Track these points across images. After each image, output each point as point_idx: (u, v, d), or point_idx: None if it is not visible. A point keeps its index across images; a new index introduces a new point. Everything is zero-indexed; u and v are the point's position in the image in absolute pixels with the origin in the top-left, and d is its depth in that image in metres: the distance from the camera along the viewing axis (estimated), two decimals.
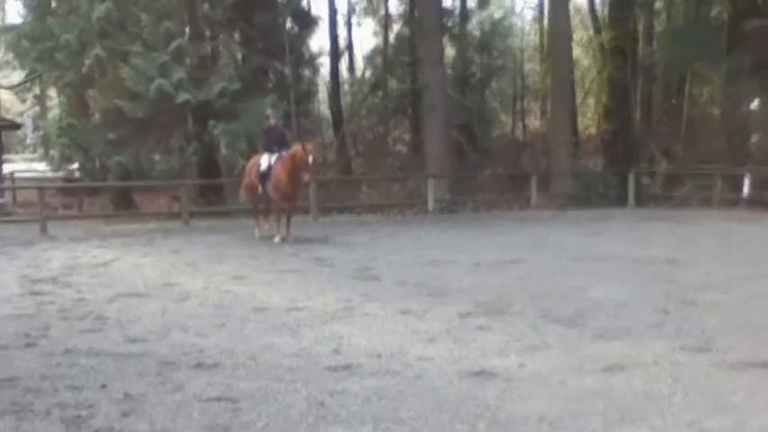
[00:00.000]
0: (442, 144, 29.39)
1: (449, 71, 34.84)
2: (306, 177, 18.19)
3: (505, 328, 9.25)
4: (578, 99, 40.04)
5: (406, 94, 36.19)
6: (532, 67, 43.93)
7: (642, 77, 35.90)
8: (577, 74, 39.78)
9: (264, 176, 18.84)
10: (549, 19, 36.71)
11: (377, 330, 9.19)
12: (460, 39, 37.85)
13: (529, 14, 44.19)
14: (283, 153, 18.68)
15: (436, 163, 28.72)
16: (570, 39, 34.17)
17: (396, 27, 39.02)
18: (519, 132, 41.96)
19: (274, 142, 19.19)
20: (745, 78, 31.99)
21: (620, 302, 10.62)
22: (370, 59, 40.35)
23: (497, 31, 40.28)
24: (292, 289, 12.09)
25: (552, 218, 24.89)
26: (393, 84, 38.03)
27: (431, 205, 27.01)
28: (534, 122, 43.54)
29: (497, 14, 41.97)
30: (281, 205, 18.89)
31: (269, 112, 21.49)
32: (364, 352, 8.14)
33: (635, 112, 35.29)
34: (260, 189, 19.08)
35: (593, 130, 40.23)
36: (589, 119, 42.06)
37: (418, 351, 8.15)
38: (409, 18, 36.56)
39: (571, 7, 36.27)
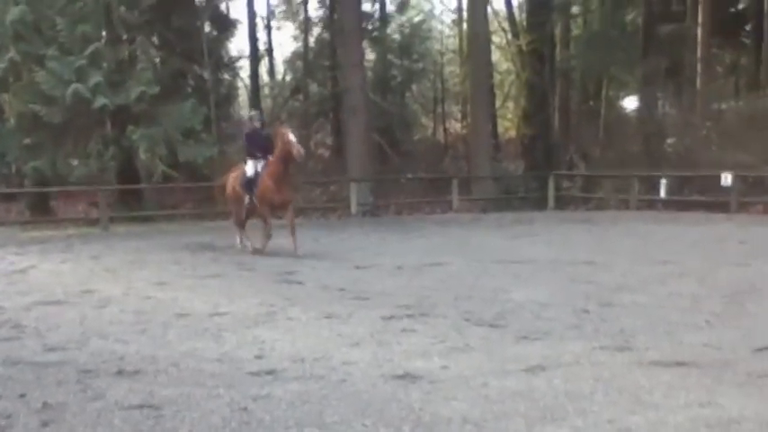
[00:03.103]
0: (363, 147, 29.40)
1: (369, 74, 34.94)
2: (294, 150, 15.90)
3: (429, 330, 9.24)
4: (498, 103, 40.40)
5: (327, 98, 36.21)
6: (452, 71, 44.18)
7: (560, 81, 36.39)
8: (497, 77, 40.18)
9: (251, 183, 16.90)
10: (468, 23, 37.05)
11: (300, 334, 9.13)
12: (380, 42, 37.99)
13: (448, 18, 44.40)
14: (269, 159, 16.62)
15: (358, 166, 28.72)
16: (489, 42, 34.48)
17: (316, 31, 38.98)
18: (440, 135, 42.20)
19: (258, 147, 17.10)
20: (660, 82, 32.69)
21: (542, 304, 10.69)
22: (290, 63, 40.30)
23: (417, 35, 40.57)
24: (214, 294, 11.97)
25: (474, 221, 25.07)
26: (314, 87, 38.00)
27: (353, 209, 27.01)
28: (455, 125, 43.81)
29: (417, 18, 42.17)
30: (268, 213, 16.87)
31: (253, 113, 19.41)
32: (288, 356, 8.07)
33: (554, 116, 35.74)
34: (247, 199, 17.11)
35: (513, 134, 40.62)
36: (509, 122, 42.47)
37: (342, 355, 8.11)
38: (329, 22, 36.62)
39: (490, 11, 36.64)
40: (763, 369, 7.27)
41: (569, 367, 7.51)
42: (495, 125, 37.29)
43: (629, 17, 36.42)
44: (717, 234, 19.39)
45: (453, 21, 43.79)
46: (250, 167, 17.07)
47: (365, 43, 34.68)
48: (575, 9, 38.24)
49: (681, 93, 33.40)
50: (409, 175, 32.61)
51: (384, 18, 38.98)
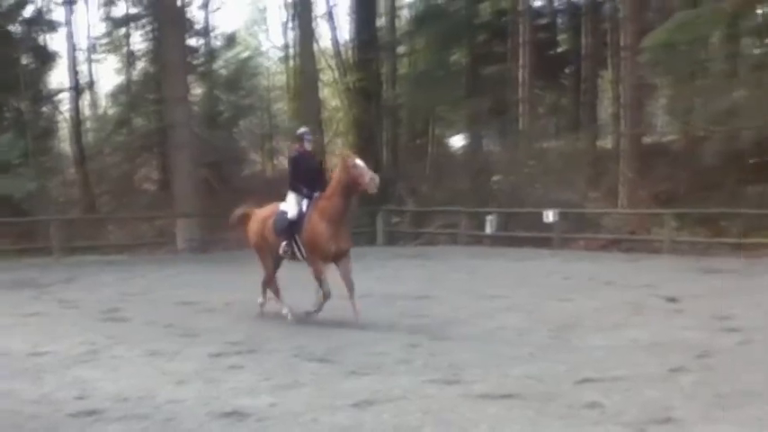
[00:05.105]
0: (190, 183, 28.93)
1: (196, 109, 34.52)
2: (367, 180, 12.02)
3: (258, 366, 9.15)
4: (327, 139, 40.51)
5: (153, 132, 35.49)
6: (281, 107, 44.13)
7: (388, 119, 36.83)
8: (326, 114, 40.30)
9: (293, 227, 12.56)
10: (296, 60, 37.12)
11: (124, 373, 8.87)
12: (207, 77, 37.59)
13: (275, 55, 44.36)
14: (317, 195, 12.52)
15: (185, 202, 28.24)
16: (317, 79, 34.65)
17: (140, 64, 38.26)
18: (270, 172, 41.96)
19: (306, 178, 12.75)
20: (485, 121, 33.52)
21: (373, 338, 10.71)
22: (114, 96, 39.38)
23: (245, 71, 40.31)
24: (34, 333, 11.52)
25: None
26: (139, 121, 37.25)
27: (180, 244, 26.55)
28: (285, 162, 43.64)
29: (244, 54, 41.98)
30: (321, 267, 12.43)
31: (302, 130, 13.43)
32: (110, 396, 7.80)
33: (382, 153, 36.08)
34: (283, 248, 12.72)
35: None
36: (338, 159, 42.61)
37: (168, 393, 7.90)
38: (154, 56, 35.97)
39: (317, 48, 36.82)
40: (584, 400, 7.42)
41: (398, 401, 7.51)
42: (324, 161, 37.34)
43: (454, 57, 37.19)
44: (542, 269, 19.90)
45: (280, 58, 43.83)
46: (292, 205, 12.67)
47: (191, 78, 34.28)
48: (401, 49, 38.82)
49: (505, 132, 34.31)
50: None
51: (210, 53, 38.63)
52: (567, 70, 37.82)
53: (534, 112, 34.50)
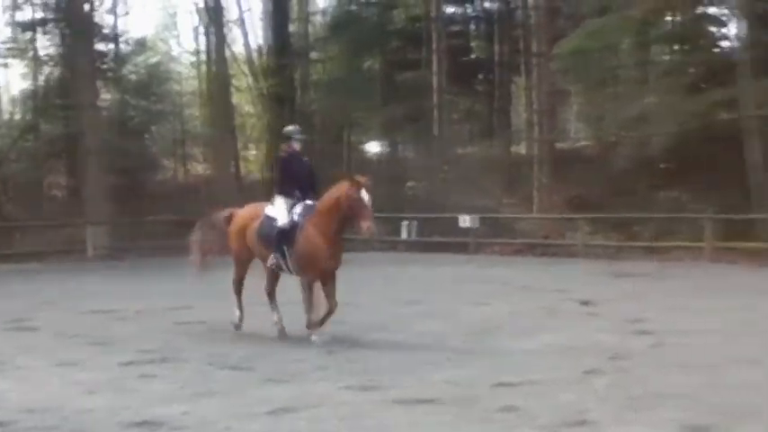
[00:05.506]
0: (100, 189, 28.50)
1: (106, 115, 33.97)
2: (365, 226, 10.82)
3: (170, 375, 8.99)
4: (241, 144, 40.24)
5: (61, 138, 34.81)
6: (193, 112, 43.69)
7: (303, 125, 36.55)
8: (239, 120, 40.02)
9: (283, 238, 11.14)
10: (208, 65, 36.79)
11: (32, 384, 8.62)
12: (117, 82, 37.01)
13: (187, 60, 43.88)
14: (309, 203, 11.33)
15: (95, 209, 27.81)
16: (229, 85, 34.45)
17: (48, 69, 37.47)
18: (183, 177, 41.49)
19: (296, 180, 11.58)
20: (400, 127, 33.63)
21: (289, 346, 10.63)
22: (20, 102, 38.53)
23: (156, 76, 39.83)
24: None
25: (218, 263, 24.60)
26: (48, 127, 36.49)
27: (91, 252, 26.07)
28: (198, 167, 43.22)
29: (154, 59, 41.47)
30: (311, 286, 11.23)
31: (291, 128, 12.29)
32: (17, 408, 7.55)
33: None
34: (271, 260, 11.40)
35: (257, 176, 40.49)
36: (253, 164, 42.34)
37: (77, 403, 7.68)
38: (62, 60, 35.28)
39: (230, 53, 36.56)
40: (501, 404, 7.41)
41: (314, 408, 7.43)
42: (238, 167, 37.13)
43: (368, 64, 37.26)
44: (458, 274, 20.02)
45: (192, 63, 43.38)
46: (281, 211, 11.31)
47: (101, 83, 33.76)
48: (315, 55, 38.75)
49: (420, 138, 34.46)
50: (150, 218, 31.81)
51: (120, 58, 38.02)
52: (481, 77, 38.22)
53: (449, 119, 34.73)
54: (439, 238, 27.39)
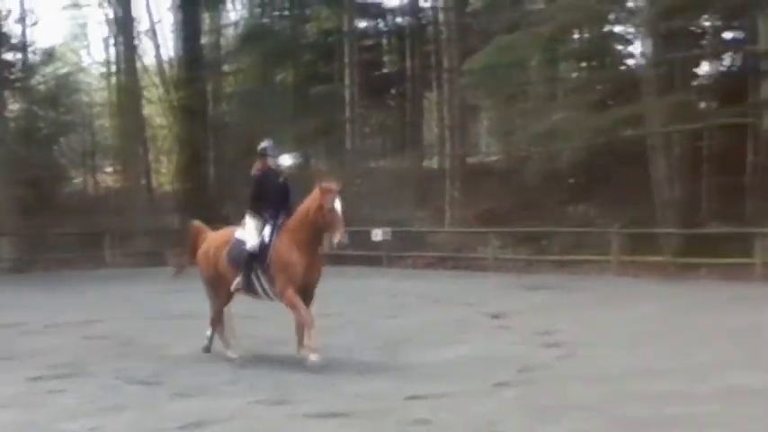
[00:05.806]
0: (6, 200, 27.98)
1: (12, 125, 33.31)
2: (337, 237, 10.39)
3: (79, 390, 8.87)
4: (153, 156, 39.78)
5: None
6: (103, 124, 43.05)
7: (215, 137, 36.42)
8: (150, 131, 39.56)
9: (254, 260, 10.59)
10: (118, 76, 36.32)
11: None
12: (25, 93, 36.29)
13: (97, 71, 43.20)
14: (281, 221, 10.78)
15: (1, 220, 27.25)
16: (140, 96, 34.07)
17: None
18: (92, 189, 40.83)
19: (269, 200, 10.96)
20: (312, 140, 33.58)
21: (198, 360, 10.56)
22: None
23: (65, 87, 39.15)
24: None
25: (128, 276, 24.36)
26: None
27: None
28: (108, 179, 42.59)
29: (64, 70, 40.77)
30: (296, 302, 10.43)
31: (265, 144, 11.49)
32: None
33: (209, 171, 35.66)
34: (236, 282, 10.72)
35: (169, 188, 40.07)
36: (164, 176, 41.88)
37: None
38: None
39: (141, 65, 36.16)
40: (413, 417, 7.48)
41: (225, 423, 7.43)
42: (149, 179, 36.72)
43: (281, 77, 37.17)
44: (371, 287, 20.14)
45: (102, 74, 42.73)
46: (251, 234, 10.72)
47: (8, 93, 33.10)
48: (226, 67, 38.54)
49: (333, 151, 34.47)
50: (58, 230, 31.26)
51: (28, 68, 37.30)
52: (393, 91, 38.38)
53: (361, 132, 34.82)
54: (351, 252, 27.34)
